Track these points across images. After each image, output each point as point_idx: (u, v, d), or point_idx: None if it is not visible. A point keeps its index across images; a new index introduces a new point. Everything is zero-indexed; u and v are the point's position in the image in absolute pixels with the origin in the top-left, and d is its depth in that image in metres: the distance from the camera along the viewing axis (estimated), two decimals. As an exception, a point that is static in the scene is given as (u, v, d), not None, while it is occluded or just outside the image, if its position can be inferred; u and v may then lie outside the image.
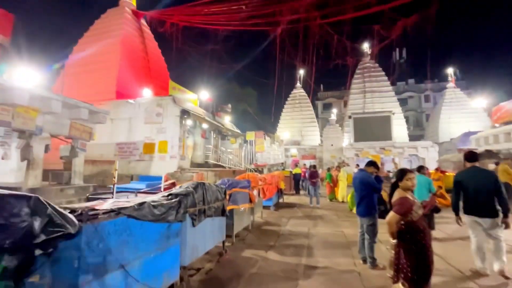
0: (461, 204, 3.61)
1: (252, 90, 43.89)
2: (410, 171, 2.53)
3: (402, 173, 2.50)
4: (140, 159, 11.91)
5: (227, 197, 4.31)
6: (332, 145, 26.24)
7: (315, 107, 38.37)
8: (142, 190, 4.81)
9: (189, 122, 12.54)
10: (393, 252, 2.42)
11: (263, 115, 39.70)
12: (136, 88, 14.59)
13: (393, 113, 25.39)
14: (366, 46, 29.52)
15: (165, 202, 2.63)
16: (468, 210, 3.51)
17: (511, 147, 14.40)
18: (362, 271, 3.56)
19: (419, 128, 36.76)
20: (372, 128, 25.22)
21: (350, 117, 26.53)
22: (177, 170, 10.84)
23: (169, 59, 22.51)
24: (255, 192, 5.95)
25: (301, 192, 13.38)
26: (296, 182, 13.63)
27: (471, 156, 3.71)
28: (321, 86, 42.23)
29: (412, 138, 27.14)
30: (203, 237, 3.44)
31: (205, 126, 14.58)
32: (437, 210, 4.98)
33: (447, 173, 10.54)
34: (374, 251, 3.64)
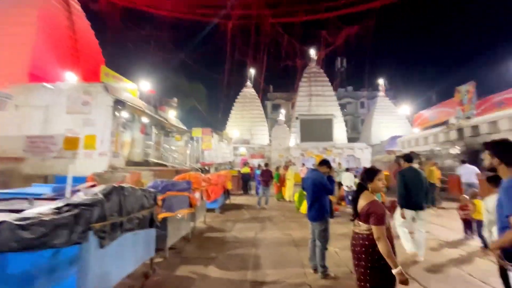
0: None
1: (201, 85, 42.21)
2: (380, 170, 2.19)
3: (373, 173, 2.10)
4: (60, 156, 9.85)
5: (159, 203, 3.52)
6: (280, 144, 26.79)
7: (264, 107, 38.89)
8: (43, 196, 3.69)
9: (125, 114, 10.95)
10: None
11: (212, 112, 38.55)
12: (57, 71, 12.17)
13: (335, 117, 27.29)
14: (313, 52, 31.08)
15: (47, 218, 1.76)
16: (408, 204, 4.02)
17: (428, 149, 16.63)
18: (313, 282, 3.21)
19: (355, 132, 40.50)
20: (316, 130, 26.61)
21: (297, 118, 27.50)
22: (107, 170, 9.28)
23: (106, 43, 19.72)
24: (197, 195, 5.22)
25: (251, 192, 13.02)
26: (244, 182, 13.22)
27: (409, 157, 4.31)
28: (271, 86, 43.08)
29: (350, 140, 29.55)
30: (120, 259, 2.61)
31: (145, 120, 13.02)
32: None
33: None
34: (326, 259, 3.35)
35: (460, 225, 5.46)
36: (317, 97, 29.24)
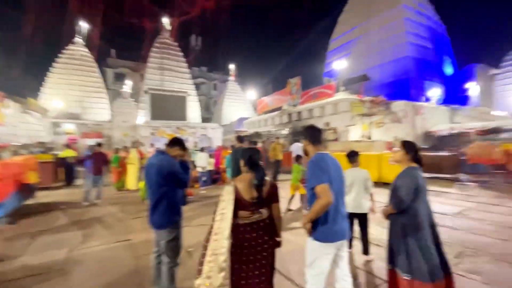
0: None
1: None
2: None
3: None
4: None
5: None
6: (125, 121, 22.62)
7: (104, 74, 31.52)
8: None
9: None
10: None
11: (8, 70, 26.65)
12: None
13: (189, 95, 26.30)
14: (166, 20, 27.90)
15: None
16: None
17: (267, 130, 19.36)
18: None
19: (208, 112, 41.67)
20: (169, 107, 24.59)
21: (146, 92, 24.15)
22: None
23: None
24: None
25: (79, 183, 9.73)
26: (67, 169, 9.70)
27: (240, 138, 5.26)
28: (113, 51, 35.40)
29: (202, 120, 29.76)
30: None
31: None
32: None
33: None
34: (176, 279, 2.36)
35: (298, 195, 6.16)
36: (171, 71, 26.90)
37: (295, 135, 16.31)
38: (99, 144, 6.62)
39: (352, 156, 3.43)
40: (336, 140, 13.70)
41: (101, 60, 33.53)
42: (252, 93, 28.80)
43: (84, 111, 23.38)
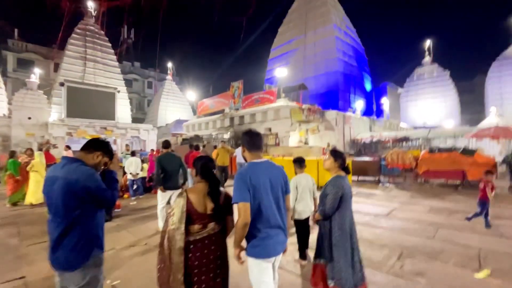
0: None
1: None
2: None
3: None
4: None
5: None
6: (30, 118, 18.48)
7: (2, 59, 25.38)
8: None
9: None
10: None
11: None
12: None
13: (118, 91, 23.38)
14: (91, 4, 24.30)
15: None
16: (165, 186, 4.51)
17: (208, 133, 18.62)
18: None
19: (141, 112, 38.01)
20: (92, 103, 21.32)
21: (62, 84, 20.42)
22: None
23: None
24: None
25: None
26: None
27: (166, 143, 4.83)
28: (16, 30, 28.93)
29: (134, 120, 26.90)
30: None
31: None
32: None
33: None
34: None
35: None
36: (96, 63, 23.46)
37: (237, 139, 16.09)
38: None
39: (301, 162, 3.48)
40: (277, 145, 14.01)
41: (-2, 40, 27.02)
42: (191, 94, 27.50)
43: (-32, 103, 18.19)
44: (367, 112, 24.41)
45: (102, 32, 24.66)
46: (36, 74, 20.30)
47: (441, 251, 3.60)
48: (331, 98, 22.65)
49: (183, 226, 1.65)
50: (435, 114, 30.27)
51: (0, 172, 9.03)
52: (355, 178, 10.44)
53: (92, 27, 23.95)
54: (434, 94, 30.90)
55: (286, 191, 1.89)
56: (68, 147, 10.69)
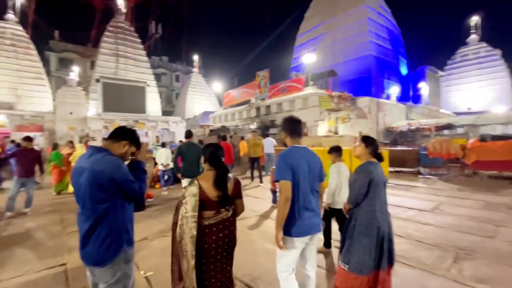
0: None
1: None
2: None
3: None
4: None
5: None
6: (71, 113, 19.88)
7: (45, 59, 27.43)
8: None
9: None
10: None
11: None
12: None
13: (148, 85, 24.20)
14: (121, 2, 25.14)
15: None
16: (186, 174, 4.57)
17: (234, 124, 18.60)
18: None
19: (170, 105, 39.21)
20: (125, 98, 22.33)
21: (98, 80, 21.58)
22: None
23: None
24: None
25: (3, 186, 7.98)
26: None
27: (188, 133, 4.98)
28: (57, 32, 31.01)
29: (164, 113, 27.79)
30: None
31: None
32: None
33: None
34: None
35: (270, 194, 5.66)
36: (127, 59, 24.44)
37: (264, 130, 15.85)
38: (27, 138, 5.21)
39: (339, 151, 3.39)
40: (306, 134, 13.55)
41: (42, 42, 29.18)
42: (217, 86, 27.61)
43: (19, 100, 19.99)
44: (403, 98, 22.65)
45: (132, 29, 25.51)
46: (75, 72, 21.66)
47: (508, 254, 3.09)
48: (363, 84, 21.32)
49: (196, 214, 1.66)
50: (482, 99, 27.31)
51: (45, 163, 9.79)
52: (391, 169, 9.72)
53: (122, 24, 24.86)
54: (481, 77, 27.81)
55: (321, 178, 1.96)
56: (105, 139, 11.28)
